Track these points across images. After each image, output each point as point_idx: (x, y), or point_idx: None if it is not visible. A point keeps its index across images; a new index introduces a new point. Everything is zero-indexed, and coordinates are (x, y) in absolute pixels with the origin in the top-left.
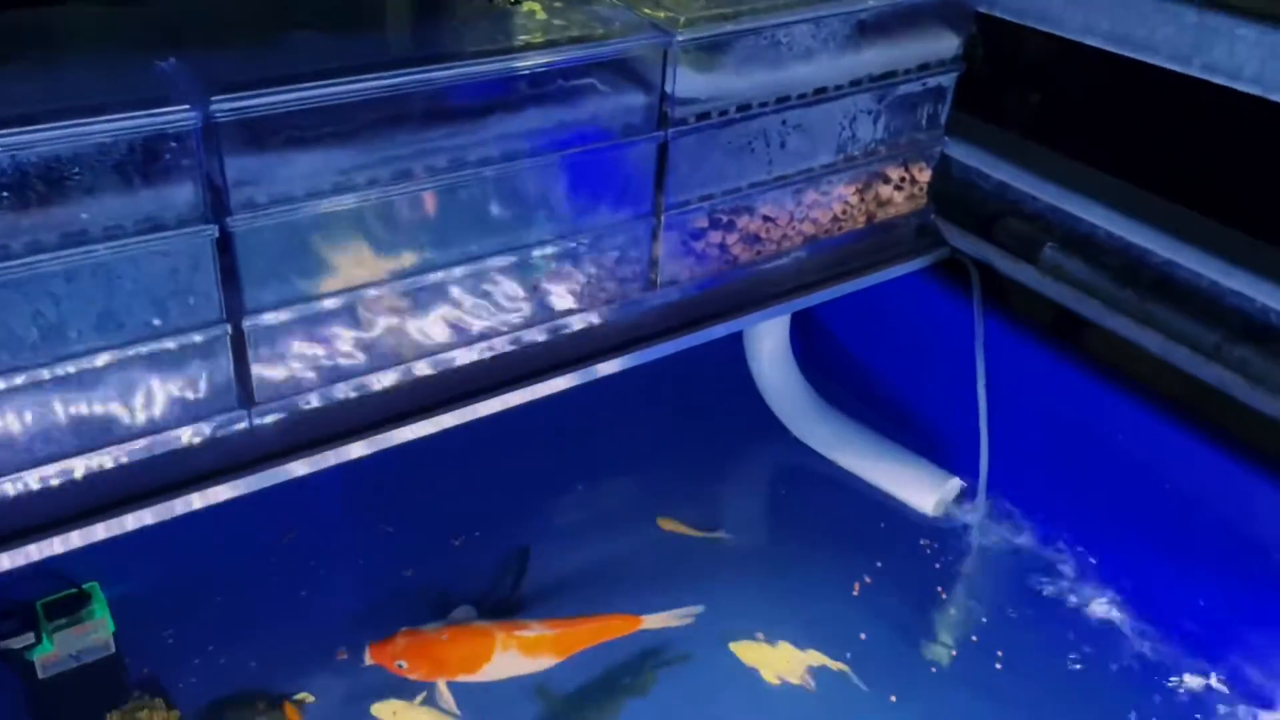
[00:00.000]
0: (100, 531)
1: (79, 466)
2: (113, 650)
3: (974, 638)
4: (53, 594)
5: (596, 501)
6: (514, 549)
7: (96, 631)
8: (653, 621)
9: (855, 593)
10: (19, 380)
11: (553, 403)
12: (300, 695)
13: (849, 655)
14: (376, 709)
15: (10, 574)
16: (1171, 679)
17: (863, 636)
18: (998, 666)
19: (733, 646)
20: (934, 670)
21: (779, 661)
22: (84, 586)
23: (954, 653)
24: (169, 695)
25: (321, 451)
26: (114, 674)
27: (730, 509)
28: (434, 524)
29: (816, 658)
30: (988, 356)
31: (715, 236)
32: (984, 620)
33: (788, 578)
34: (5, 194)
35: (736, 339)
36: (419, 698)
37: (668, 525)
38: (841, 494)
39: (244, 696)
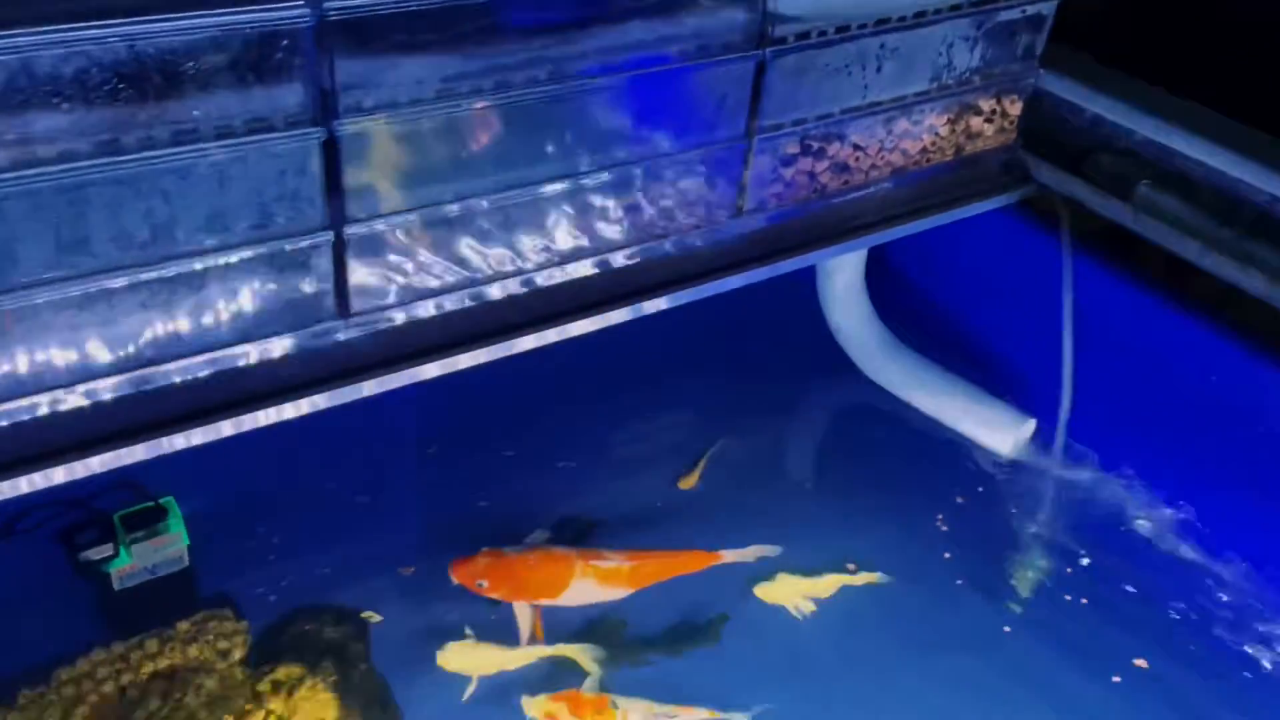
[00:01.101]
0: (198, 436)
1: (176, 372)
2: (186, 564)
3: (1049, 582)
4: (130, 507)
5: (662, 435)
6: (581, 480)
7: (172, 545)
8: (730, 557)
9: (930, 534)
10: (126, 281)
11: (627, 330)
12: (366, 613)
13: (922, 596)
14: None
15: (89, 487)
16: (1260, 624)
17: (936, 579)
18: (1074, 610)
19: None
20: (1011, 613)
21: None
22: (160, 501)
23: (1030, 596)
24: (238, 608)
25: (412, 367)
26: (186, 587)
27: (798, 446)
28: (504, 448)
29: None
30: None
31: (805, 164)
32: (1060, 564)
33: (857, 518)
34: (122, 85)
35: (809, 274)
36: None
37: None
38: (914, 435)
39: (312, 611)
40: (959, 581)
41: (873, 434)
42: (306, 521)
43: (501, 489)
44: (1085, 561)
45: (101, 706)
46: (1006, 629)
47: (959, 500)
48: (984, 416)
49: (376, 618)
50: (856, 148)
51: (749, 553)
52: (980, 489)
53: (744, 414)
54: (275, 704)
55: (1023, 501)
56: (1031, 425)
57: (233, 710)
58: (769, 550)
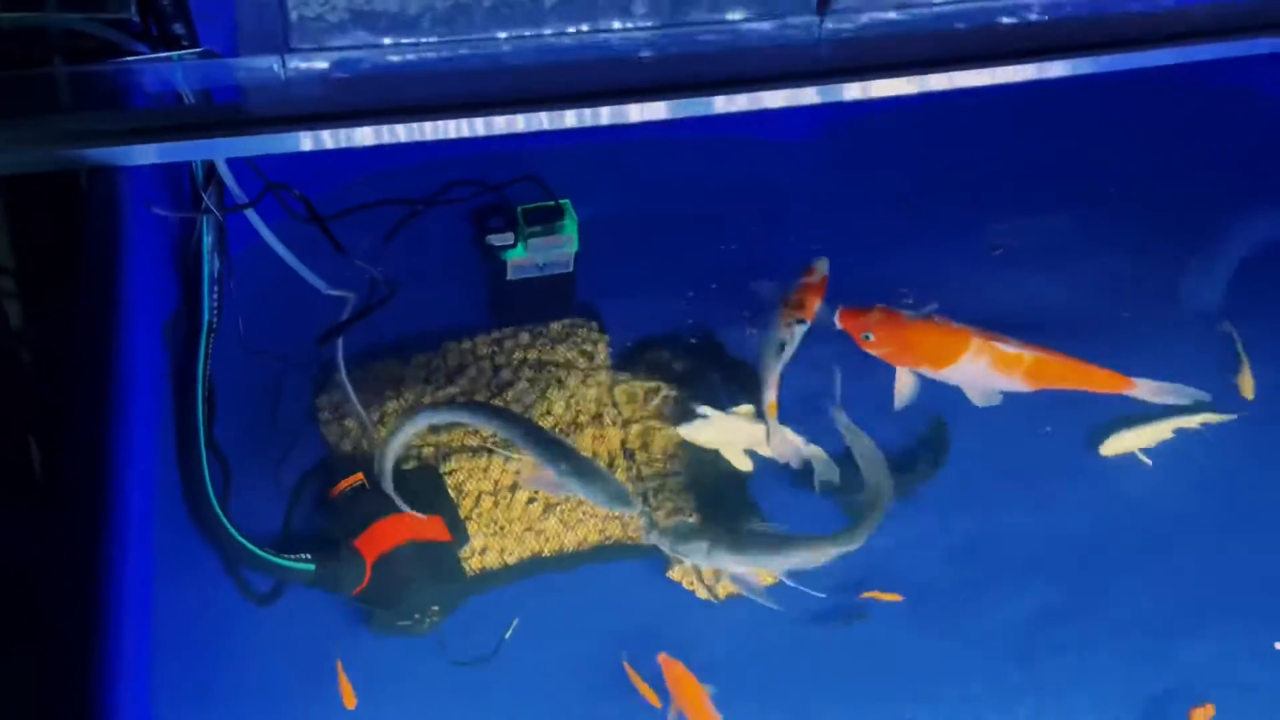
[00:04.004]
0: (661, 110)
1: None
2: (570, 269)
3: None
4: (533, 203)
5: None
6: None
7: (563, 246)
8: (1144, 390)
9: None
10: None
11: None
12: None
13: None
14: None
15: (501, 175)
16: None
17: None
18: None
19: None
20: None
21: None
22: (560, 202)
23: None
24: (603, 322)
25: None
26: (566, 291)
27: (1213, 271)
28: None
29: None
30: None
31: None
32: None
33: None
34: None
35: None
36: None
37: None
38: None
39: (674, 341)
40: None
41: None
42: (685, 249)
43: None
44: None
45: (478, 379)
46: None
47: None
48: None
49: None
50: None
51: (1169, 391)
52: None
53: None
54: (627, 410)
55: None
56: None
57: (587, 409)
58: (1195, 396)
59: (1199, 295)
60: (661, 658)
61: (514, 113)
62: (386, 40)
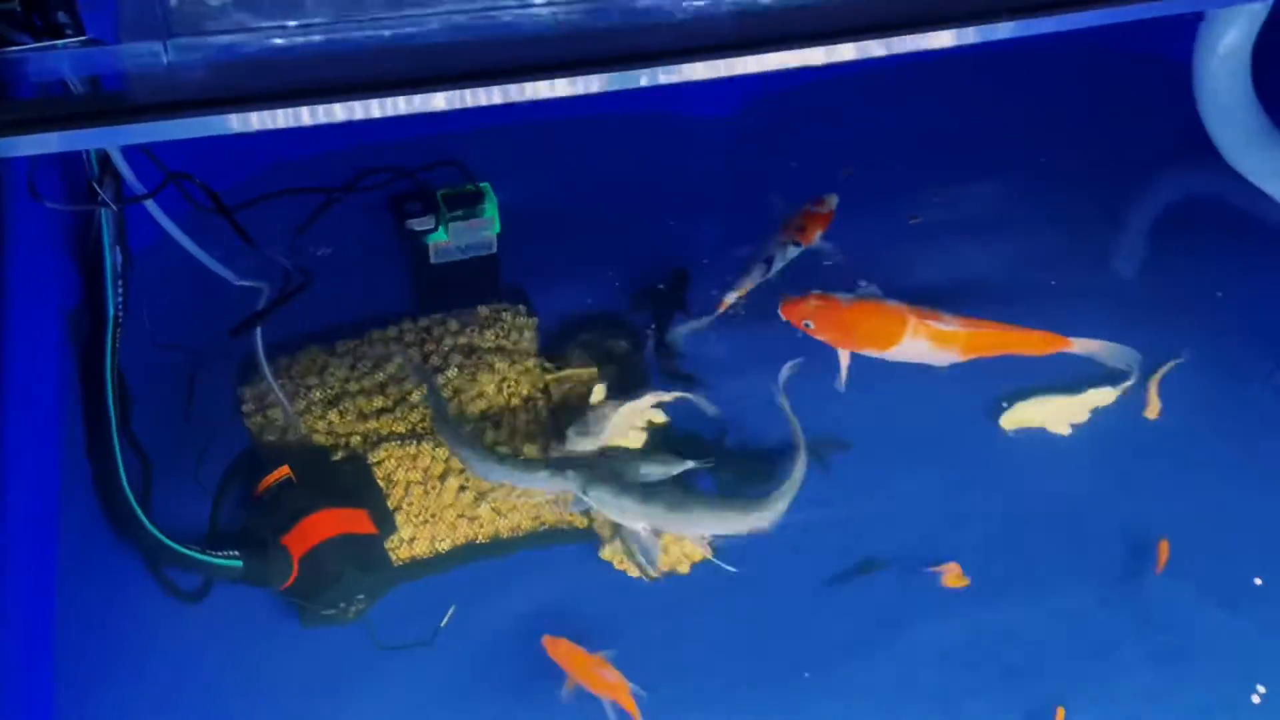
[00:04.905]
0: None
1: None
2: (494, 251)
3: None
4: (452, 187)
5: (966, 204)
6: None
7: (485, 229)
8: (1082, 346)
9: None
10: None
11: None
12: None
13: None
14: None
15: (419, 159)
16: None
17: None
18: None
19: None
20: None
21: None
22: (479, 185)
23: None
24: (531, 304)
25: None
26: (490, 274)
27: (1136, 234)
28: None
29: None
30: None
31: None
32: None
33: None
34: None
35: (1186, 32)
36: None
37: None
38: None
39: (600, 317)
40: None
41: (1225, 231)
42: (607, 229)
43: None
44: None
45: (405, 366)
46: None
47: None
48: None
49: None
50: None
51: (1101, 346)
52: None
53: (1074, 189)
54: (557, 394)
55: None
56: None
57: (519, 393)
58: (1121, 354)
59: (1121, 260)
60: (545, 640)
61: (402, 94)
62: (269, 23)
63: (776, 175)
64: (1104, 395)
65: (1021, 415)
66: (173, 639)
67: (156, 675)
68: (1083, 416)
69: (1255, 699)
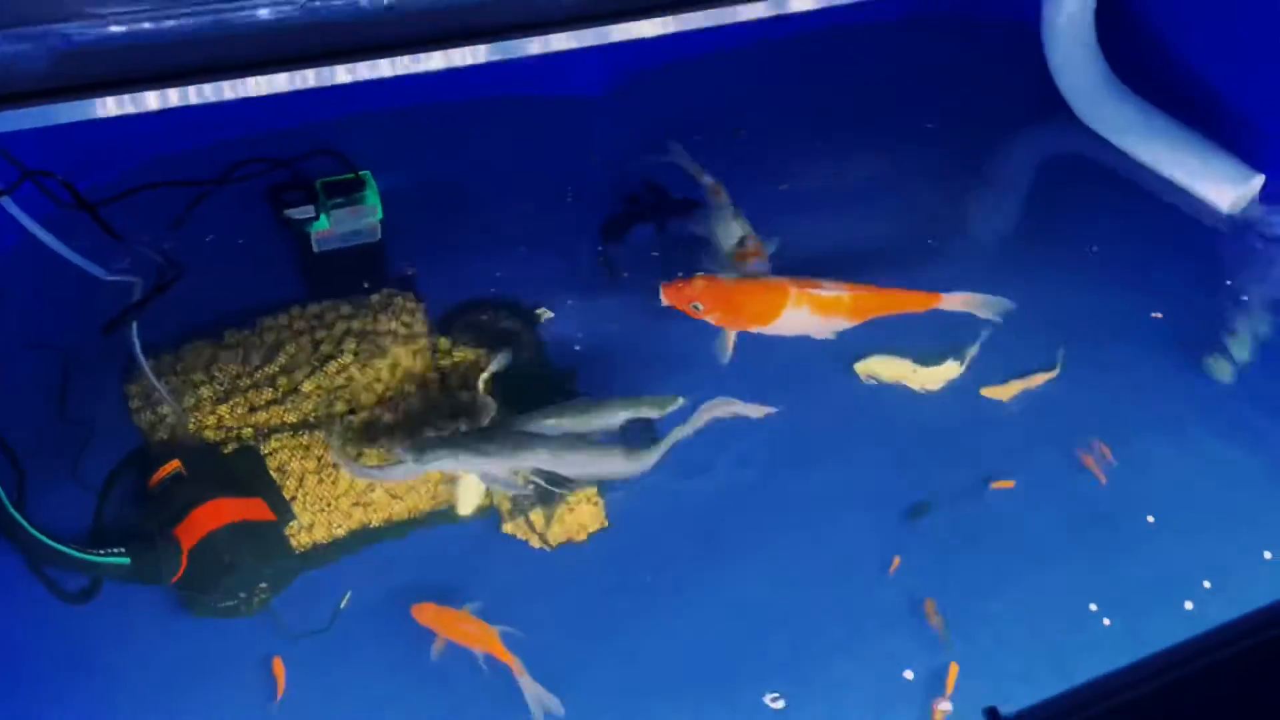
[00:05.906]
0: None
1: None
2: (378, 238)
3: (1267, 345)
4: (332, 176)
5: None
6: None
7: (367, 216)
8: (951, 302)
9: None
10: None
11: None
12: (540, 310)
13: (1117, 368)
14: None
15: (295, 150)
16: None
17: (1135, 348)
18: None
19: None
20: (1222, 380)
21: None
22: (359, 173)
23: (1248, 360)
24: (417, 289)
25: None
26: (376, 261)
27: (1003, 192)
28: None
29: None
30: None
31: None
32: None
33: (1058, 269)
34: None
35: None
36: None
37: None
38: (1127, 185)
39: (488, 303)
40: (1170, 346)
41: (1084, 183)
42: (491, 214)
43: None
44: None
45: (298, 354)
46: (1220, 392)
47: (1171, 257)
48: (1207, 169)
49: (549, 314)
50: None
51: (972, 300)
52: (1192, 248)
53: (947, 156)
54: (452, 377)
55: (1239, 264)
56: (1259, 181)
57: (413, 377)
58: (992, 304)
59: (992, 218)
60: (412, 609)
61: (243, 76)
62: (103, 10)
63: (651, 151)
64: (951, 370)
65: (872, 367)
66: (60, 640)
67: (48, 677)
68: (935, 385)
69: None
